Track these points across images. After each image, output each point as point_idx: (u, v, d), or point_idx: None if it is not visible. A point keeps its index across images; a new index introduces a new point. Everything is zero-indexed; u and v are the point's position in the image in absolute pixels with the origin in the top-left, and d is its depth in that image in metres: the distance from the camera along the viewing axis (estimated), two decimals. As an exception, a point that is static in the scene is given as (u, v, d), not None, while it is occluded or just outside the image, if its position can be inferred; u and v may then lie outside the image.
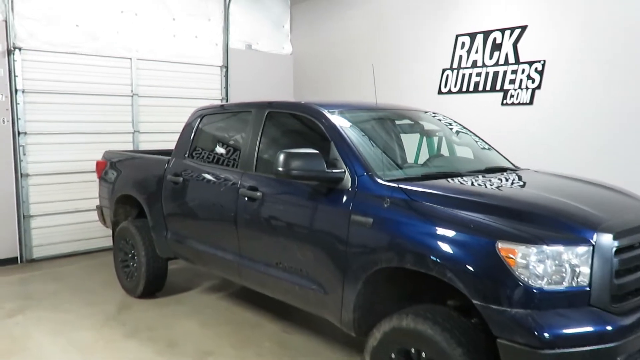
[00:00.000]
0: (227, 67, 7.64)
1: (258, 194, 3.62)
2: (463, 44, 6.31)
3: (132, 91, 6.80)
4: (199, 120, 4.49)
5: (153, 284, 4.96)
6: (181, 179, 4.36)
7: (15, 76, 5.92)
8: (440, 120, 4.39)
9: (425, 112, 4.35)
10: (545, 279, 2.35)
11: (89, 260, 6.36)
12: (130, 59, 6.76)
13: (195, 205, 4.28)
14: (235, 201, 3.79)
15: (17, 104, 5.95)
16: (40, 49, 6.08)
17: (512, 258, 2.37)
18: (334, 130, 3.34)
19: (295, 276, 3.39)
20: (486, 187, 3.12)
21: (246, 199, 3.70)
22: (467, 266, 2.45)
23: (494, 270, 2.39)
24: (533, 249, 2.36)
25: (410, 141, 4.56)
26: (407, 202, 2.82)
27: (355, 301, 2.99)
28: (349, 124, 3.46)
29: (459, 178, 3.21)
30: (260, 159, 3.79)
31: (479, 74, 6.18)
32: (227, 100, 7.62)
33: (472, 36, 6.21)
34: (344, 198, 3.08)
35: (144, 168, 4.95)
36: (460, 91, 6.37)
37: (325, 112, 3.48)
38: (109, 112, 6.66)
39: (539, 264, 2.35)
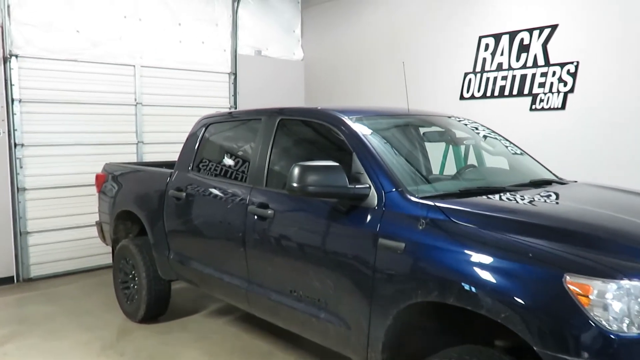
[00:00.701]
0: (235, 74, 7.23)
1: (269, 212, 3.16)
2: (487, 45, 5.85)
3: (135, 100, 6.40)
4: (203, 129, 4.06)
5: (155, 308, 4.51)
6: (184, 194, 3.92)
7: (11, 85, 5.54)
8: (466, 125, 3.92)
9: (449, 117, 3.88)
10: (626, 322, 1.87)
11: (89, 279, 5.93)
12: (134, 66, 6.37)
13: (200, 224, 3.83)
14: (244, 220, 3.34)
15: (13, 114, 5.57)
16: (38, 56, 5.70)
17: (584, 296, 1.89)
18: (356, 139, 2.88)
19: (312, 307, 2.92)
20: (538, 205, 2.64)
21: (256, 217, 3.25)
22: (526, 305, 1.98)
23: (562, 311, 1.91)
24: (612, 285, 1.88)
25: (432, 150, 4.10)
26: (448, 224, 2.35)
27: (385, 339, 2.52)
28: (372, 131, 3.00)
29: (504, 194, 2.73)
30: (271, 172, 3.34)
31: (504, 78, 5.71)
32: (235, 109, 7.20)
33: (497, 37, 5.75)
34: (369, 218, 2.62)
35: (145, 182, 4.53)
36: (484, 96, 5.90)
37: (345, 119, 3.03)
38: (111, 122, 6.26)
39: (618, 304, 1.88)
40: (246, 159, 3.60)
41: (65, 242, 6.02)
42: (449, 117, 3.89)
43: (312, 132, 3.36)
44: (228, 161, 3.80)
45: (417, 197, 2.55)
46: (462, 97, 6.10)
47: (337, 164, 2.67)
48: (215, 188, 3.70)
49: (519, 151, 3.80)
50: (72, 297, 5.34)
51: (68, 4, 5.85)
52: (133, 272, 4.58)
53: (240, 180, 3.54)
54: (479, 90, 5.95)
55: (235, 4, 7.15)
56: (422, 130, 3.57)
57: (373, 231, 2.56)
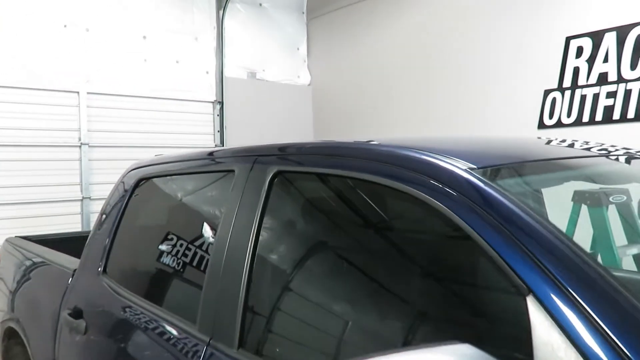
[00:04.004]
0: (222, 103, 5.25)
1: None
2: (580, 49, 3.86)
3: (79, 139, 4.42)
4: (128, 192, 2.01)
5: None
6: (84, 324, 1.84)
7: None
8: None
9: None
10: None
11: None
12: (78, 92, 4.41)
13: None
14: None
15: None
16: None
17: None
18: (536, 240, 0.81)
19: None
20: None
21: None
22: None
23: None
24: None
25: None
26: None
27: None
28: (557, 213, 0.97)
29: None
30: (252, 311, 1.27)
31: (611, 95, 3.70)
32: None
33: (596, 36, 3.77)
34: None
35: (36, 285, 2.46)
36: (578, 122, 3.88)
37: (475, 179, 0.96)
38: (45, 172, 4.27)
39: None
40: (201, 264, 1.54)
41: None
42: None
43: (360, 210, 1.26)
44: (167, 264, 1.73)
45: None
46: (542, 125, 4.08)
47: (464, 344, 0.61)
48: (137, 323, 1.63)
49: None
50: None
51: (-23, 6, 3.95)
52: None
53: (187, 313, 1.47)
54: (569, 115, 3.94)
55: (221, 13, 5.24)
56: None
57: None
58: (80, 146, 4.42)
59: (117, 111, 4.59)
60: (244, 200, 1.40)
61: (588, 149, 1.48)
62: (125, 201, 1.97)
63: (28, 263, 2.70)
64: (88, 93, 4.45)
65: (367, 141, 1.24)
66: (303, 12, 5.92)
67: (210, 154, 1.72)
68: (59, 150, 4.34)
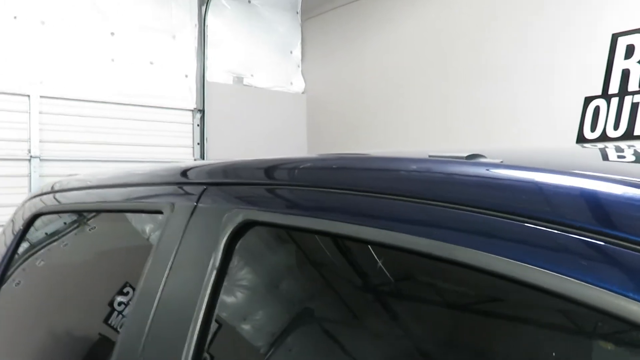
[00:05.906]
0: (203, 112, 4.53)
1: None
2: (630, 48, 3.19)
3: (29, 152, 3.68)
4: (18, 234, 1.27)
5: None
6: None
7: None
8: None
9: None
10: None
11: None
12: (29, 96, 3.68)
13: None
14: None
15: None
16: None
17: None
18: None
19: None
20: None
21: None
22: None
23: None
24: None
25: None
26: None
27: None
28: None
29: None
30: None
31: (672, 102, 3.03)
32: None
33: (652, 32, 3.11)
34: None
35: None
36: (628, 136, 3.19)
37: None
38: (-15, 190, 3.53)
39: None
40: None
41: None
42: None
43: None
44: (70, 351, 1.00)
45: None
46: (581, 139, 3.39)
47: None
48: None
49: None
50: None
51: None
52: None
53: None
54: (616, 127, 3.25)
55: (204, 9, 4.54)
56: None
57: None
58: (29, 159, 3.68)
59: (76, 119, 3.86)
60: (175, 277, 0.67)
61: None
62: (12, 249, 1.22)
63: None
64: (41, 97, 3.72)
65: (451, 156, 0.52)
66: (297, 12, 5.23)
67: (132, 177, 0.98)
68: (3, 164, 3.60)
